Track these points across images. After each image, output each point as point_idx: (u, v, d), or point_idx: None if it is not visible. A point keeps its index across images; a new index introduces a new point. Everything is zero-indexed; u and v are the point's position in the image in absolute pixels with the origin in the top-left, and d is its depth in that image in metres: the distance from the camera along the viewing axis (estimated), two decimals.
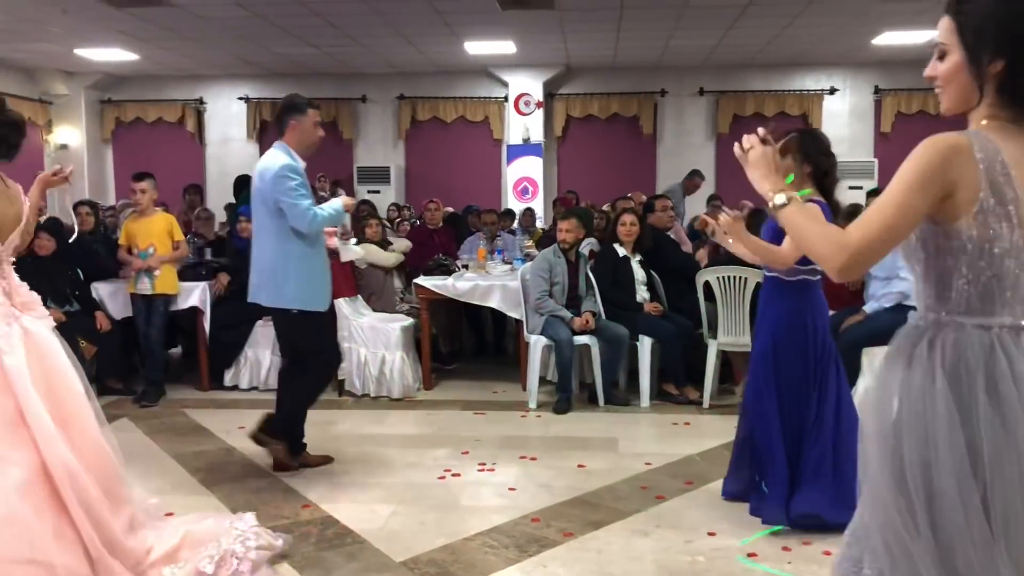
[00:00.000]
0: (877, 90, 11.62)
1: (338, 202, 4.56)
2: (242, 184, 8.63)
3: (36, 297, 3.08)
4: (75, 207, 7.27)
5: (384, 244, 7.04)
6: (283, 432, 4.57)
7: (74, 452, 2.86)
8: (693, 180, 10.61)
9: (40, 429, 2.78)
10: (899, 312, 5.32)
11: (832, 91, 11.73)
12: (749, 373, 3.99)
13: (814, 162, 3.77)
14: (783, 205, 1.84)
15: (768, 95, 11.72)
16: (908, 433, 1.70)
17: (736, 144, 2.01)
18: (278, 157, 4.38)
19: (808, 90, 11.70)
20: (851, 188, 9.72)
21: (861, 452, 1.80)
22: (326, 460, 4.75)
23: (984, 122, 1.73)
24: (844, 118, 11.72)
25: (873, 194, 6.73)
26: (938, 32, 1.78)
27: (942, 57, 1.78)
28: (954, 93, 1.77)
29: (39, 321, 3.04)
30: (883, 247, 1.68)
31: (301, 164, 4.43)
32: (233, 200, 10.66)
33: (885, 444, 1.73)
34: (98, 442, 3.02)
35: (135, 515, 3.15)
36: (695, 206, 10.54)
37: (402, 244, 7.27)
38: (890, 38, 9.76)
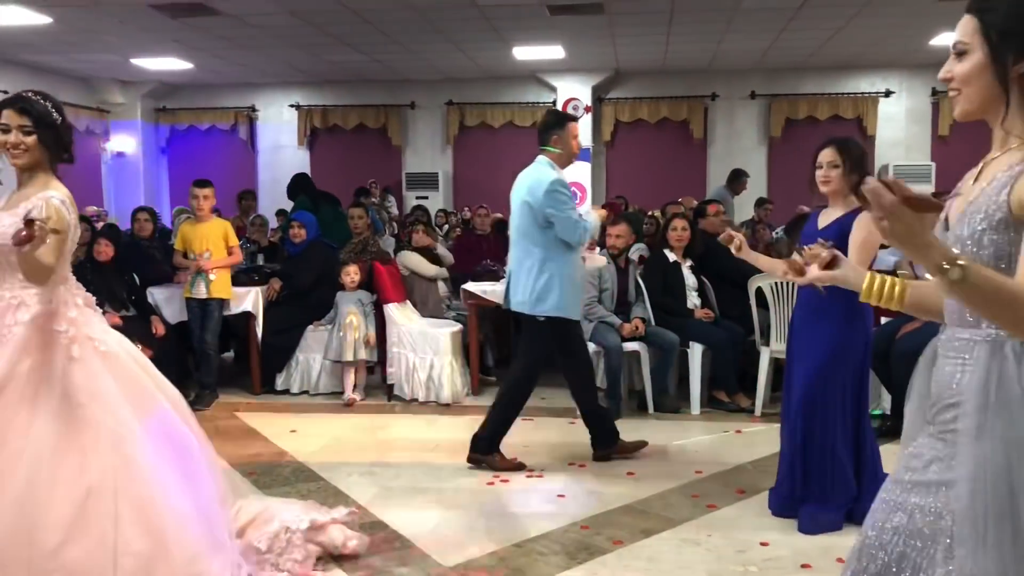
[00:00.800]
0: (934, 92, 11.36)
1: (594, 214, 4.83)
2: (297, 186, 8.68)
3: (92, 299, 3.18)
4: (134, 213, 7.41)
5: (430, 252, 7.03)
6: (493, 443, 4.72)
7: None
8: (740, 181, 10.45)
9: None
10: None
11: (888, 94, 11.50)
12: (802, 386, 3.88)
13: (861, 171, 3.69)
14: (960, 280, 1.46)
15: (822, 98, 11.54)
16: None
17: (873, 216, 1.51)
18: (546, 171, 4.62)
19: (863, 93, 11.49)
20: None
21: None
22: (640, 445, 4.94)
23: None
24: (900, 121, 11.49)
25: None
26: (958, 31, 1.69)
27: (961, 56, 1.69)
28: (973, 95, 1.68)
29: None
30: None
31: (564, 176, 4.67)
32: (284, 206, 10.82)
33: (992, 471, 1.58)
34: (178, 424, 3.21)
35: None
36: (744, 208, 10.41)
37: (447, 259, 7.24)
38: (948, 39, 9.48)
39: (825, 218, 3.85)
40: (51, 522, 2.68)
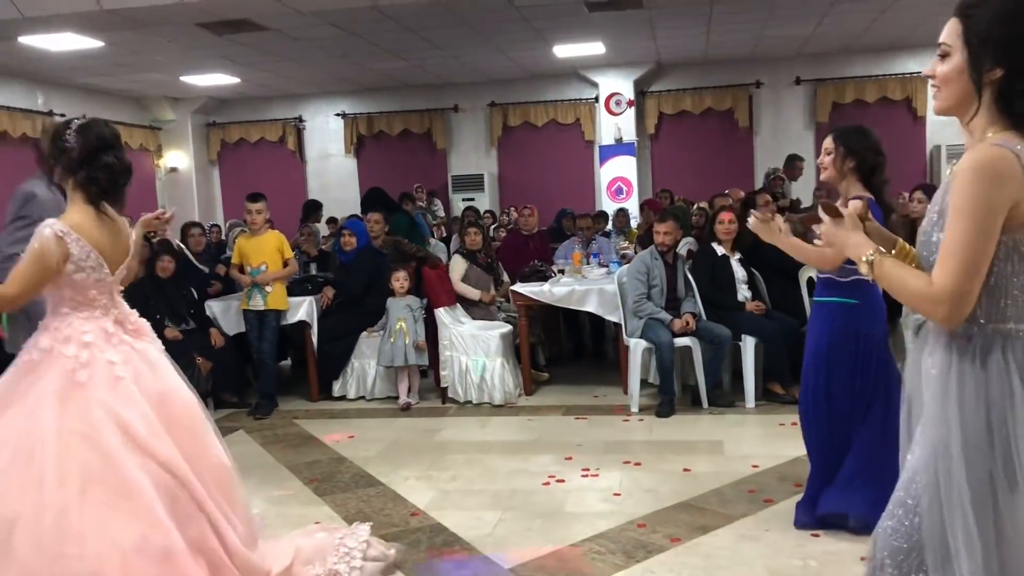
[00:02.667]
0: None
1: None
2: (373, 200, 8.66)
3: (146, 324, 3.18)
4: (186, 229, 7.59)
5: (485, 258, 7.03)
6: None
7: (191, 463, 2.98)
8: (794, 166, 10.18)
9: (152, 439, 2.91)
10: None
11: None
12: (801, 375, 3.89)
13: (859, 157, 3.67)
14: (870, 263, 1.86)
15: (869, 80, 11.35)
16: (994, 442, 1.73)
17: (814, 231, 2.02)
18: None
19: (911, 73, 11.24)
20: None
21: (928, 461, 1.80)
22: None
23: (995, 133, 1.75)
24: None
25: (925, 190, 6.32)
26: (943, 33, 1.82)
27: (944, 57, 1.82)
28: (950, 94, 1.82)
29: (150, 345, 3.17)
30: (974, 285, 1.71)
31: None
32: (335, 214, 10.98)
33: (969, 454, 1.74)
34: (215, 454, 3.13)
35: (253, 528, 3.26)
36: (802, 194, 10.21)
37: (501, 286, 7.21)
38: None
39: None
40: None
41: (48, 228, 2.89)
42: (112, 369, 2.92)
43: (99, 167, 3.02)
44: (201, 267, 7.21)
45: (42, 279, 2.90)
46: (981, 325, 1.75)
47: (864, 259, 1.86)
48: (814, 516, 3.77)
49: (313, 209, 10.18)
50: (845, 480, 3.68)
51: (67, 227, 2.92)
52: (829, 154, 3.74)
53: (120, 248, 3.12)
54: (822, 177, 3.87)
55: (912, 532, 1.81)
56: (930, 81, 1.87)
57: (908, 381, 1.98)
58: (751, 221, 3.51)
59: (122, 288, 3.22)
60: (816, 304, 3.85)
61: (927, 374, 1.84)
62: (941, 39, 1.82)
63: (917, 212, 6.05)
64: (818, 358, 3.77)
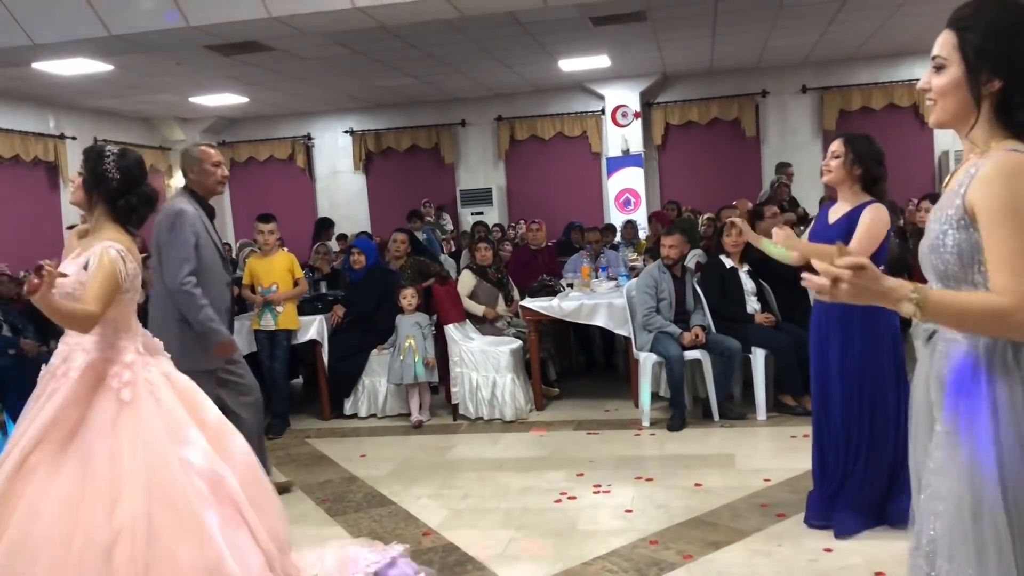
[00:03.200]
0: None
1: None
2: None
3: (158, 343, 3.24)
4: None
5: (495, 274, 7.05)
6: None
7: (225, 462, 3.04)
8: (784, 173, 10.21)
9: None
10: None
11: None
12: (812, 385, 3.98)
13: (865, 166, 3.70)
14: (918, 303, 1.63)
15: (875, 88, 11.33)
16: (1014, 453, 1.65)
17: (812, 284, 1.67)
18: None
19: (918, 80, 11.19)
20: None
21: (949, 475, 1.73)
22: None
23: (998, 142, 1.73)
24: None
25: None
26: (936, 46, 1.81)
27: (939, 70, 1.81)
28: (947, 107, 1.81)
29: (163, 361, 3.21)
30: None
31: None
32: (344, 231, 11.03)
33: (988, 467, 1.66)
34: (251, 463, 3.17)
35: (286, 536, 3.30)
36: (807, 203, 10.20)
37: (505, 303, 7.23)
38: None
39: (835, 213, 3.87)
40: None
41: (112, 248, 2.98)
42: (151, 388, 2.99)
43: (140, 197, 3.14)
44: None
45: (115, 298, 2.98)
46: None
47: (909, 298, 1.62)
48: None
49: (324, 227, 10.23)
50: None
51: (125, 249, 3.02)
52: (837, 157, 3.76)
53: (141, 270, 3.20)
54: (824, 179, 3.88)
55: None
56: (927, 94, 1.86)
57: (917, 392, 1.92)
58: (777, 233, 3.56)
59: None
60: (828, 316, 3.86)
61: (944, 383, 1.78)
62: (935, 52, 1.81)
63: (925, 221, 6.04)
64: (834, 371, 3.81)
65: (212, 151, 4.58)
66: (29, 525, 2.72)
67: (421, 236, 10.40)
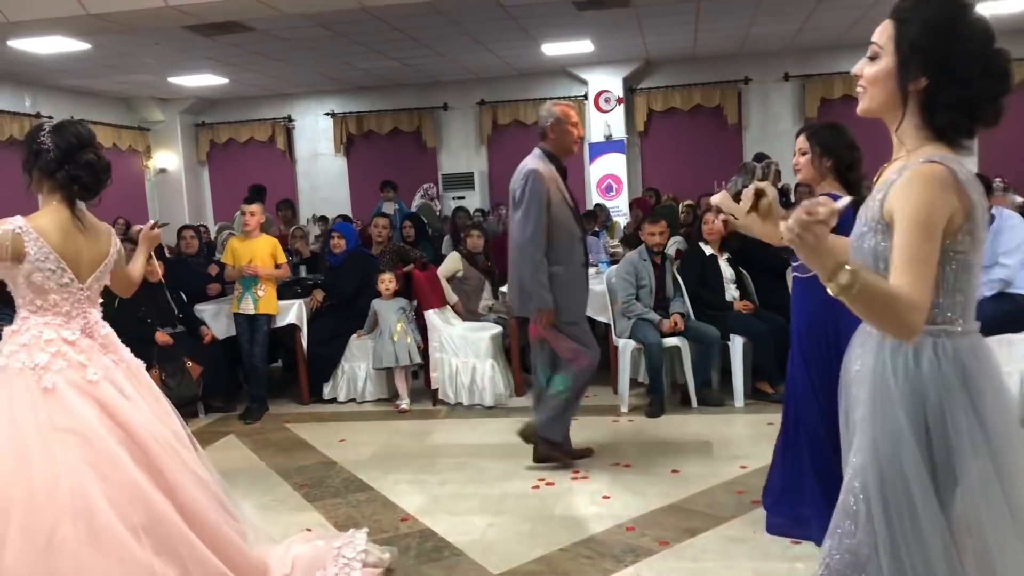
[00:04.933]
0: None
1: None
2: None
3: (115, 338, 3.16)
4: (179, 231, 7.57)
5: (485, 263, 7.04)
6: None
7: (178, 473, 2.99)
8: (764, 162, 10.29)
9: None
10: (1002, 301, 5.12)
11: None
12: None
13: (835, 155, 3.66)
14: (848, 287, 1.61)
15: (855, 79, 11.33)
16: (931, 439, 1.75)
17: (785, 227, 1.63)
18: None
19: None
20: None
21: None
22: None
23: (926, 145, 1.77)
24: None
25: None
26: (876, 32, 1.80)
27: (873, 59, 1.81)
28: (875, 96, 1.82)
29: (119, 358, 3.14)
30: (930, 292, 1.72)
31: None
32: (325, 213, 10.99)
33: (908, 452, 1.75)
34: (194, 464, 3.13)
35: (245, 531, 3.26)
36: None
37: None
38: (991, 7, 9.21)
39: None
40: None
41: (10, 223, 2.92)
42: (84, 372, 2.92)
43: (80, 165, 3.02)
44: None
45: (9, 275, 2.95)
46: None
47: (846, 269, 1.61)
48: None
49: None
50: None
51: (29, 225, 2.94)
52: (804, 154, 3.70)
53: (94, 253, 3.11)
54: (798, 178, 3.84)
55: (855, 545, 1.81)
56: (858, 81, 1.85)
57: (844, 388, 1.98)
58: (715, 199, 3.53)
59: (102, 300, 3.20)
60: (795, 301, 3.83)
61: (860, 376, 1.86)
62: (873, 39, 1.80)
63: None
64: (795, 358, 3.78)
65: (571, 111, 4.67)
66: None
67: (392, 207, 10.42)
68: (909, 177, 1.72)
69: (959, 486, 1.74)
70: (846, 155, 3.66)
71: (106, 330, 3.13)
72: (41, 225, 2.96)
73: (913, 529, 1.71)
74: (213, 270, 7.13)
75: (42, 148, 3.00)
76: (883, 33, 1.79)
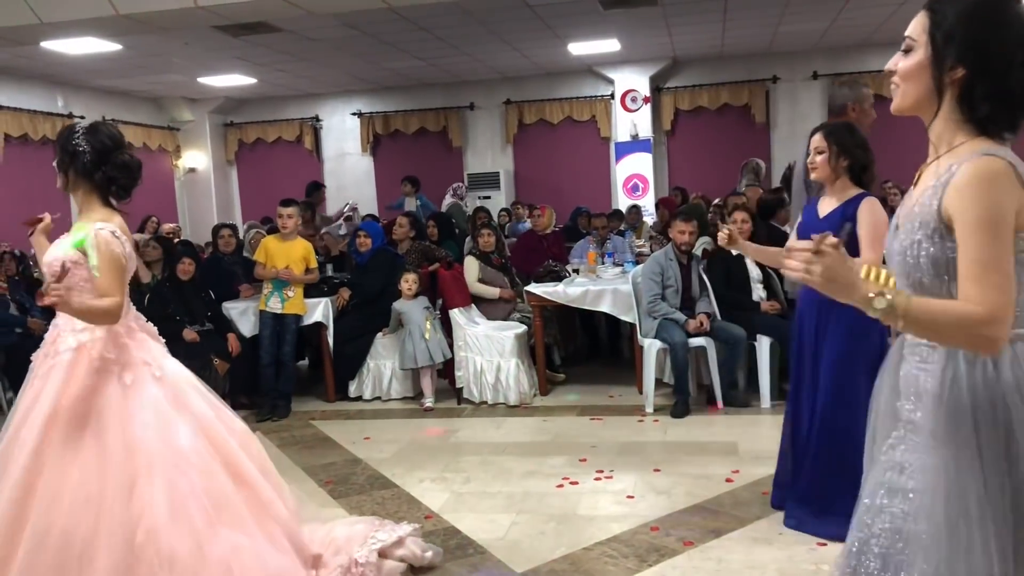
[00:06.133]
0: None
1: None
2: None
3: (152, 327, 3.24)
4: (216, 229, 7.59)
5: (499, 259, 7.03)
6: None
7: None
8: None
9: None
10: None
11: None
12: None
13: (852, 155, 3.64)
14: (888, 310, 1.52)
15: (888, 75, 11.21)
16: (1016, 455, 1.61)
17: (792, 264, 1.57)
18: None
19: None
20: None
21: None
22: None
23: (968, 141, 1.66)
24: None
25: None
26: (910, 26, 1.72)
27: (907, 52, 1.72)
28: (910, 92, 1.72)
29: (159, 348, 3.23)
30: (1013, 298, 1.57)
31: None
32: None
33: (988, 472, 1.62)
34: (249, 441, 3.23)
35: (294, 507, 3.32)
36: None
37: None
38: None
39: (826, 206, 3.76)
40: (99, 569, 2.68)
41: (104, 229, 2.96)
42: (151, 370, 3.00)
43: (116, 166, 3.08)
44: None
45: (125, 278, 3.01)
46: None
47: (883, 296, 1.52)
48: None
49: (316, 188, 10.33)
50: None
51: (116, 227, 3.00)
52: (821, 153, 3.67)
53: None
54: (813, 177, 3.79)
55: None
56: (891, 77, 1.76)
57: (880, 392, 1.86)
58: (721, 236, 3.53)
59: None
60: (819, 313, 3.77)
61: (920, 388, 1.72)
62: (907, 32, 1.72)
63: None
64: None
65: (871, 91, 4.49)
66: (51, 514, 2.71)
67: (414, 203, 10.42)
68: (966, 174, 1.59)
69: None
70: (861, 155, 3.66)
71: (142, 321, 3.21)
72: (120, 223, 3.06)
73: (984, 556, 1.59)
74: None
75: (78, 150, 3.04)
76: (917, 25, 1.71)
